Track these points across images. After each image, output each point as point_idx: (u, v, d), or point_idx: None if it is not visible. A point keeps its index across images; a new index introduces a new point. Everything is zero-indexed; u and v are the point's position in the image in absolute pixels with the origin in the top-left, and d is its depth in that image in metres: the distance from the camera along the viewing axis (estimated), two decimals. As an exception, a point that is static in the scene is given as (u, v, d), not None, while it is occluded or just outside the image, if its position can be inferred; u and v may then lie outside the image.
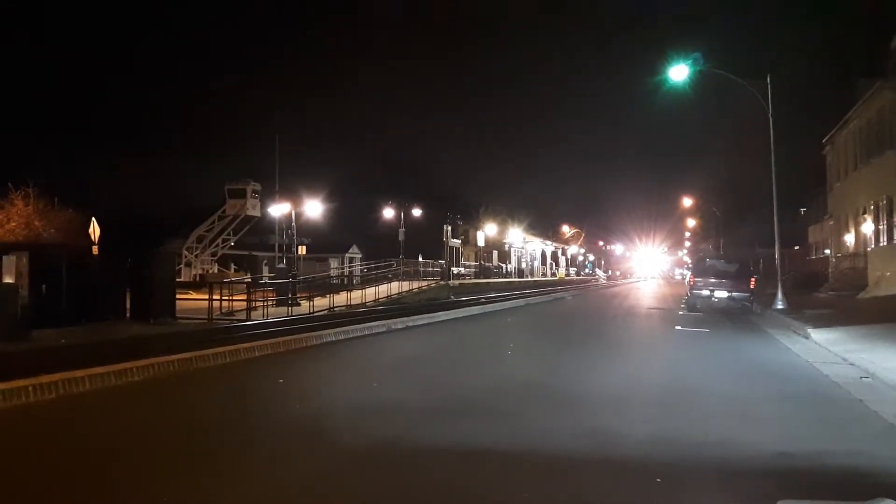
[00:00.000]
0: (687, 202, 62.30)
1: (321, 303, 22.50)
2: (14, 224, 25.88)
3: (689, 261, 59.02)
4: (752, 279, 20.84)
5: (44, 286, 15.17)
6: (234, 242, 42.62)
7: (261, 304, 20.75)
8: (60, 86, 55.69)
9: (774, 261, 20.35)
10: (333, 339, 12.10)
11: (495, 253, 65.11)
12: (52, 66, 57.57)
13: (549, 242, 79.43)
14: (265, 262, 44.89)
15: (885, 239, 22.35)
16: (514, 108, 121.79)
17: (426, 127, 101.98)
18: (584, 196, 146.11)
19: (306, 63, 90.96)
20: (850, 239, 27.72)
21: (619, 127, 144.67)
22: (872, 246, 23.83)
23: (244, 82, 76.90)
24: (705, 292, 20.37)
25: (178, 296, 19.39)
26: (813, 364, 9.19)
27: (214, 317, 18.61)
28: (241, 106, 75.78)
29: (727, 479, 4.32)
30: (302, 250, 35.96)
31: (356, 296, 25.87)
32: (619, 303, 28.02)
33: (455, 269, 44.88)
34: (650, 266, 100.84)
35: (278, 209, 32.41)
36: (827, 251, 33.91)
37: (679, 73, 19.29)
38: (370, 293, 27.01)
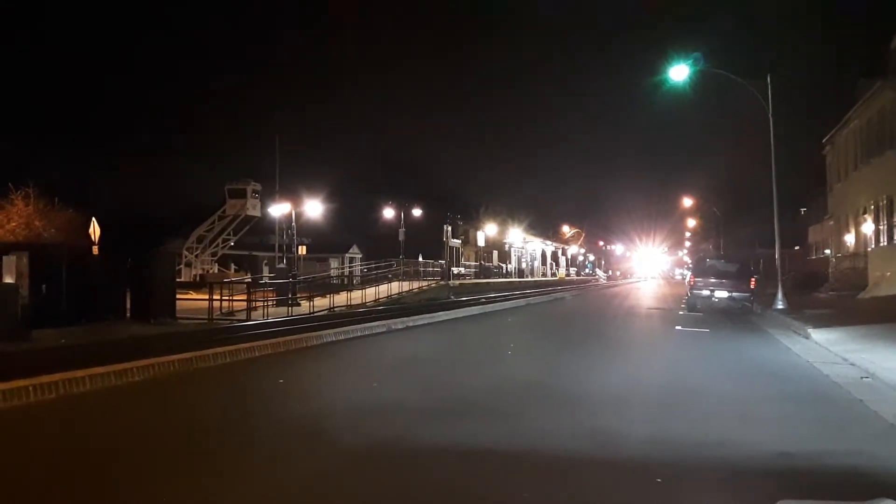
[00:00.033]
0: (687, 202, 62.28)
1: (321, 303, 22.51)
2: (14, 224, 25.87)
3: (690, 261, 59.08)
4: (753, 279, 20.85)
5: (44, 286, 15.18)
6: (235, 242, 42.61)
7: (261, 304, 20.75)
8: (60, 86, 55.69)
9: (774, 261, 20.34)
10: (333, 339, 12.10)
11: (495, 253, 65.11)
12: (52, 66, 57.56)
13: (549, 242, 79.42)
14: (265, 262, 44.89)
15: (886, 239, 22.35)
16: (514, 108, 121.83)
17: (426, 127, 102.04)
18: (585, 196, 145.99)
19: (306, 63, 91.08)
20: (850, 239, 27.72)
21: (619, 127, 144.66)
22: (872, 246, 23.83)
23: (244, 82, 76.94)
24: (705, 292, 20.37)
25: (178, 296, 19.40)
26: (813, 364, 9.19)
27: (214, 317, 18.62)
28: (241, 106, 75.83)
29: (727, 480, 4.32)
30: (302, 250, 35.96)
31: (356, 296, 25.87)
32: (619, 303, 28.01)
33: (455, 269, 44.88)
34: (650, 266, 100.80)
35: (278, 209, 32.41)
36: (827, 251, 33.90)
37: (679, 73, 19.29)
38: (370, 293, 27.01)
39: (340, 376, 9.17)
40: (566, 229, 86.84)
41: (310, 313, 20.63)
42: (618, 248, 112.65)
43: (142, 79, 70.35)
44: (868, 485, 4.08)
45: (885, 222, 22.33)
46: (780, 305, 18.10)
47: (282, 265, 29.97)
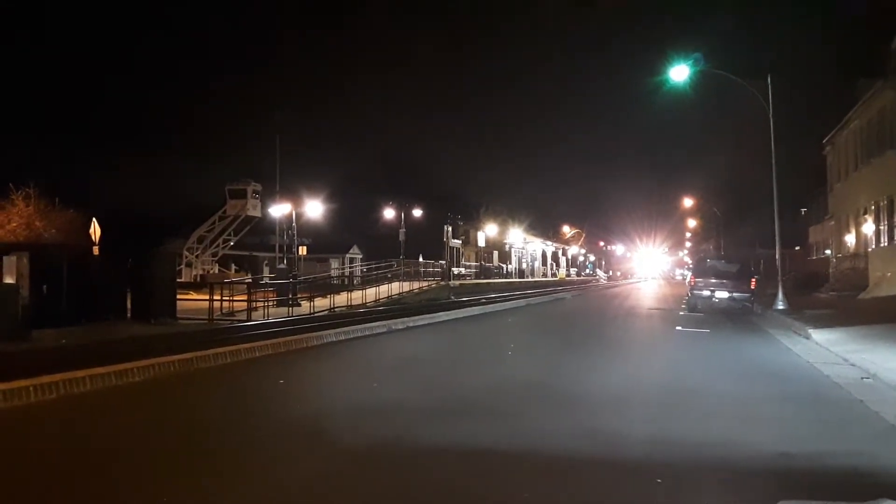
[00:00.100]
0: (687, 202, 62.25)
1: (322, 303, 22.51)
2: (15, 224, 25.87)
3: (690, 261, 59.07)
4: (753, 279, 20.84)
5: (44, 286, 15.18)
6: (235, 243, 42.58)
7: (261, 304, 20.74)
8: (60, 86, 55.75)
9: (775, 261, 20.33)
10: (334, 339, 12.10)
11: (496, 253, 65.11)
12: (52, 66, 57.64)
13: (549, 243, 79.43)
14: (266, 262, 44.90)
15: (886, 239, 22.34)
16: (514, 108, 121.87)
17: (426, 127, 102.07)
18: (585, 196, 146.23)
19: (306, 63, 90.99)
20: (850, 239, 27.70)
21: (619, 127, 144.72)
22: (873, 246, 23.81)
23: (244, 82, 77.03)
24: (706, 293, 20.36)
25: (178, 296, 19.40)
26: (814, 364, 9.18)
27: (215, 317, 18.61)
28: (241, 106, 75.78)
29: (728, 480, 4.32)
30: (302, 251, 35.94)
31: (357, 296, 25.86)
32: (619, 303, 28.01)
33: (455, 270, 44.87)
34: (651, 266, 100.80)
35: (279, 209, 32.40)
36: (827, 251, 33.89)
37: (680, 73, 19.29)
38: (371, 293, 27.00)
39: (341, 376, 9.17)
40: (566, 230, 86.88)
41: (310, 314, 20.63)
42: (618, 249, 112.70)
43: (142, 79, 70.44)
44: (869, 485, 4.08)
45: (886, 222, 22.32)
46: (780, 306, 18.09)
47: (282, 265, 29.95)
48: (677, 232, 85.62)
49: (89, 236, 19.03)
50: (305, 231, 36.95)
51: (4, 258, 15.49)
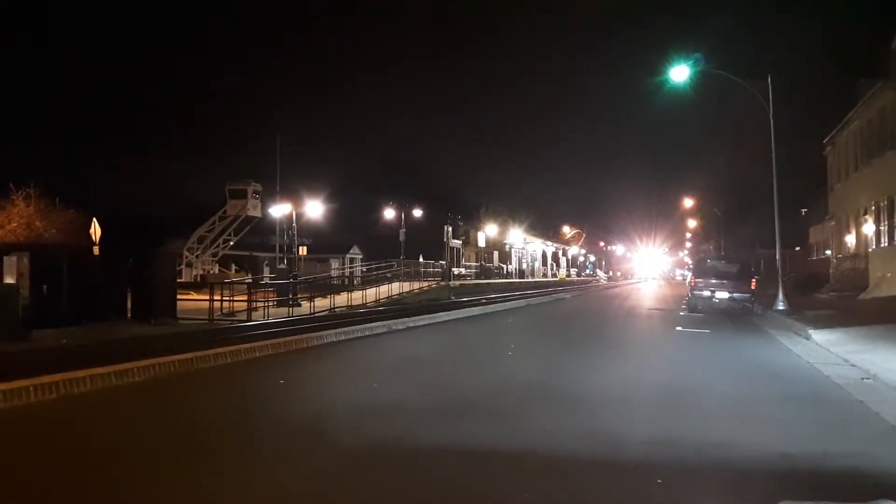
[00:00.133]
0: (688, 203, 62.30)
1: (322, 303, 22.50)
2: (15, 224, 25.87)
3: (690, 261, 59.06)
4: (753, 280, 20.84)
5: (45, 286, 15.18)
6: (235, 243, 42.59)
7: (262, 304, 20.74)
8: (60, 86, 55.76)
9: (775, 261, 20.32)
10: (334, 339, 12.10)
11: (496, 253, 65.12)
12: (52, 66, 57.65)
13: (549, 243, 79.45)
14: (266, 262, 44.91)
15: (886, 240, 22.33)
16: (514, 108, 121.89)
17: (426, 127, 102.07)
18: (585, 196, 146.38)
19: (306, 63, 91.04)
20: (851, 240, 27.69)
21: (619, 127, 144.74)
22: (873, 247, 23.81)
23: (244, 82, 77.05)
24: (706, 293, 20.36)
25: (178, 296, 19.39)
26: (814, 365, 9.18)
27: (215, 317, 18.61)
28: (241, 106, 75.82)
29: (728, 480, 4.32)
30: (303, 251, 35.96)
31: (357, 296, 25.86)
32: (619, 303, 28.00)
33: (456, 270, 44.88)
34: (651, 267, 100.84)
35: (279, 210, 32.40)
36: (828, 252, 33.88)
37: (680, 73, 19.27)
38: (371, 294, 27.00)
39: (341, 377, 9.17)
40: (567, 230, 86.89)
41: (310, 314, 20.63)
42: (618, 249, 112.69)
43: (142, 79, 70.46)
44: (869, 486, 4.07)
45: (886, 223, 22.31)
46: (780, 306, 18.08)
47: (282, 266, 29.97)
48: (677, 232, 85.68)
49: (89, 236, 19.04)
50: (306, 231, 36.96)
51: (5, 258, 15.50)
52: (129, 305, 17.35)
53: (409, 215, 43.94)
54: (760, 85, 19.43)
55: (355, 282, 31.80)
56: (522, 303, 27.17)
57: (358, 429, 5.57)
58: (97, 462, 4.73)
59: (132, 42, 69.36)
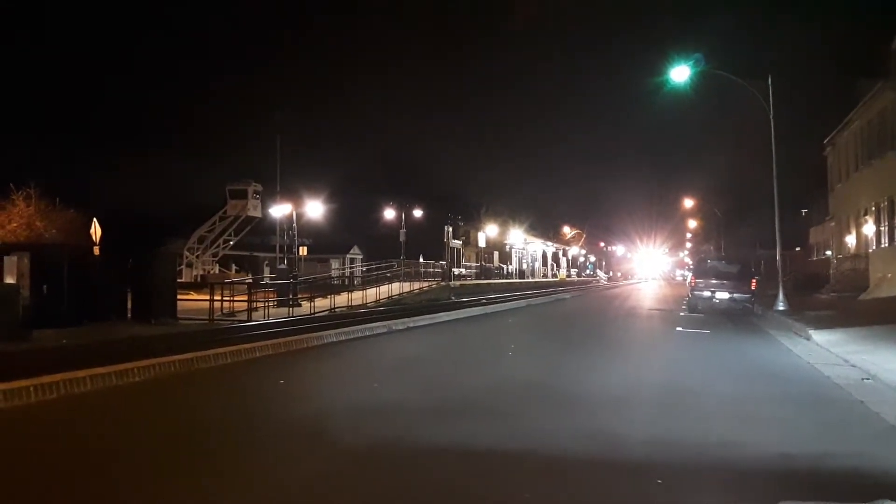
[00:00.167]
0: (688, 203, 62.27)
1: (322, 303, 22.51)
2: (15, 224, 25.87)
3: (691, 262, 59.03)
4: (754, 280, 20.84)
5: (45, 286, 15.18)
6: (235, 243, 42.62)
7: (262, 304, 20.73)
8: (60, 86, 55.72)
9: (775, 262, 20.32)
10: (334, 339, 12.10)
11: (496, 254, 65.14)
12: (52, 66, 57.61)
13: (549, 243, 79.49)
14: (266, 262, 44.88)
15: (887, 240, 22.33)
16: (514, 108, 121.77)
17: (426, 127, 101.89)
18: (585, 196, 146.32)
19: (306, 63, 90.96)
20: (851, 240, 27.69)
21: (619, 127, 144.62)
22: (874, 247, 23.80)
23: (244, 82, 76.89)
24: (706, 293, 20.36)
25: (179, 296, 19.39)
26: (814, 365, 9.18)
27: (215, 317, 18.61)
28: (241, 106, 75.67)
29: (728, 480, 4.32)
30: (303, 251, 35.97)
31: (357, 296, 25.87)
32: (619, 304, 28.01)
33: (456, 270, 44.89)
34: (651, 267, 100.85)
35: (279, 210, 32.41)
36: (828, 252, 33.87)
37: (680, 74, 19.28)
38: (371, 294, 27.00)
39: (341, 377, 9.18)
40: (567, 230, 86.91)
41: (311, 314, 20.63)
42: (619, 249, 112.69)
43: (142, 79, 70.40)
44: (869, 486, 4.07)
45: (886, 223, 22.31)
46: (780, 306, 18.09)
47: (283, 266, 29.96)
48: (678, 232, 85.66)
49: (90, 236, 19.05)
50: (306, 231, 36.97)
51: (5, 258, 15.50)
52: (129, 305, 17.36)
53: (409, 215, 43.94)
54: (761, 85, 19.43)
55: (355, 282, 31.80)
56: (523, 303, 27.18)
57: (358, 429, 5.57)
58: (97, 462, 4.73)
59: (132, 42, 69.38)
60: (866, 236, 24.98)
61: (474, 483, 4.29)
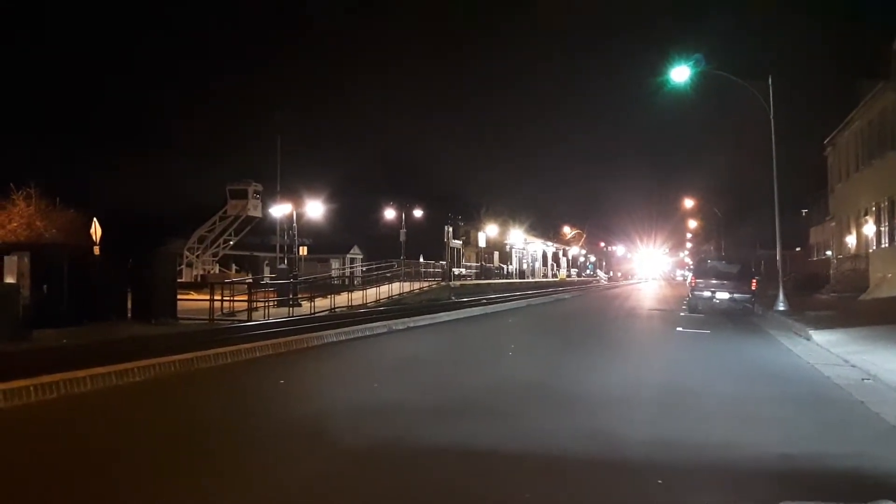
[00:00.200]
0: (688, 203, 62.26)
1: (322, 303, 22.51)
2: (16, 224, 25.86)
3: (691, 262, 59.05)
4: (754, 280, 20.84)
5: (45, 286, 15.18)
6: (236, 243, 42.60)
7: (262, 304, 20.73)
8: (60, 86, 55.73)
9: (776, 262, 20.31)
10: (335, 339, 12.11)
11: (496, 254, 65.13)
12: (52, 66, 57.63)
13: (550, 243, 79.47)
14: (266, 262, 44.89)
15: (887, 240, 22.33)
16: (514, 108, 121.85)
17: (426, 127, 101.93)
18: (585, 196, 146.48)
19: (306, 63, 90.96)
20: (851, 240, 27.69)
21: (619, 127, 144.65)
22: (874, 247, 23.80)
23: (244, 82, 76.92)
24: (707, 293, 20.36)
25: (179, 296, 19.38)
26: (814, 366, 9.18)
27: (215, 317, 18.61)
28: (241, 106, 75.67)
29: (728, 480, 4.32)
30: (303, 251, 35.96)
31: (357, 296, 25.87)
32: (620, 304, 28.00)
33: (456, 270, 44.87)
34: (652, 267, 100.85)
35: (280, 210, 32.42)
36: (828, 253, 33.86)
37: (680, 74, 19.27)
38: (371, 294, 27.01)
39: (341, 377, 9.17)
40: (567, 230, 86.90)
41: (311, 314, 20.63)
42: (619, 250, 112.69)
43: (142, 79, 70.41)
44: (870, 486, 4.07)
45: (887, 224, 22.31)
46: (781, 307, 18.08)
47: (283, 266, 29.97)
48: (678, 233, 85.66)
49: (90, 236, 19.04)
50: (306, 231, 36.96)
51: (5, 258, 15.49)
52: (129, 305, 17.35)
53: (409, 215, 43.96)
54: (761, 85, 19.41)
55: (356, 282, 31.82)
56: (523, 303, 27.18)
57: (358, 429, 5.57)
58: (97, 462, 4.73)
59: (132, 42, 69.38)
60: (866, 236, 24.98)
61: (474, 483, 4.29)
